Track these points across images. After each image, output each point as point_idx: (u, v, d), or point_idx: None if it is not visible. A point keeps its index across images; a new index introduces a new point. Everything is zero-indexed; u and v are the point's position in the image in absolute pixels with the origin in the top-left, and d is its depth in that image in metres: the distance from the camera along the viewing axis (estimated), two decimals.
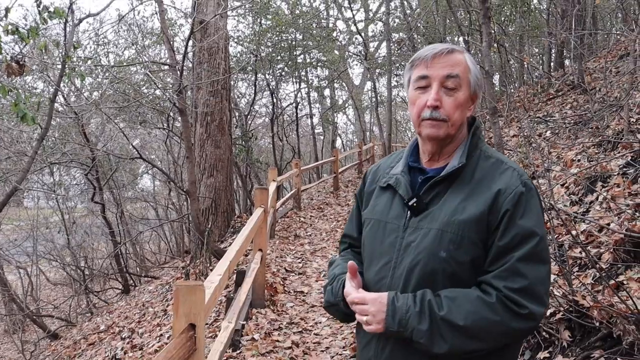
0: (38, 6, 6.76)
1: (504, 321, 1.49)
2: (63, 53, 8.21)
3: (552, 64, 13.85)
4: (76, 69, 8.43)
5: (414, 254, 1.62)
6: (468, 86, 1.66)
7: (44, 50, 8.65)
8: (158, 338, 7.05)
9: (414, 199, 1.67)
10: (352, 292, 1.69)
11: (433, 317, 1.52)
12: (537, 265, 1.52)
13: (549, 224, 4.32)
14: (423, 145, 1.75)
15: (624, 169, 4.86)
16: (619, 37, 11.69)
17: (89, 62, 11.55)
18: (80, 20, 10.12)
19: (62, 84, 10.78)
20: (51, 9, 6.80)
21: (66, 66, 8.12)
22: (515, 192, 1.56)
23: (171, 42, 9.85)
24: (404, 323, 1.55)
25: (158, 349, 6.45)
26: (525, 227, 1.53)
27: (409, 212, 1.68)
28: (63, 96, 12.76)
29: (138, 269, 16.89)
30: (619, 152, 5.36)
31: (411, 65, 1.71)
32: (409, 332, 1.55)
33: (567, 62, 13.92)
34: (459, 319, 1.50)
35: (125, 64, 13.50)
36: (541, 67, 14.27)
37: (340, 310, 1.79)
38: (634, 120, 5.90)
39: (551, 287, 3.55)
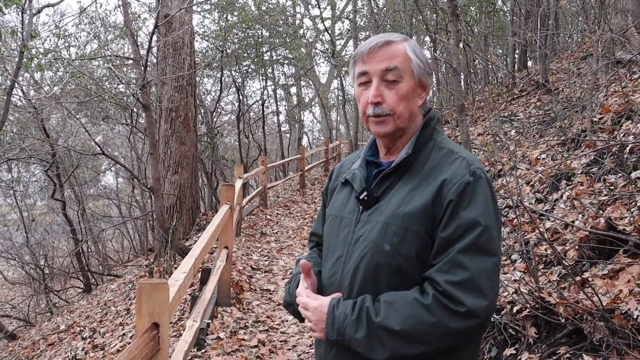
0: None
1: (441, 322, 1.43)
2: (20, 44, 7.93)
3: (515, 64, 14.05)
4: (34, 60, 8.16)
5: (361, 248, 1.59)
6: (411, 75, 1.61)
7: None
8: (120, 338, 6.90)
9: (365, 192, 1.64)
10: (302, 293, 1.67)
11: (370, 324, 1.49)
12: (481, 256, 1.45)
13: (515, 221, 4.36)
14: (377, 140, 1.74)
15: (588, 168, 4.94)
16: (580, 38, 11.94)
17: (49, 55, 11.23)
18: (39, 10, 9.81)
19: (20, 78, 10.47)
20: None
21: (24, 57, 7.86)
22: (460, 181, 1.50)
23: (135, 36, 9.63)
24: (342, 332, 1.52)
25: (120, 349, 6.31)
26: (468, 217, 1.47)
27: (360, 206, 1.66)
28: (22, 90, 12.41)
29: (100, 267, 16.60)
30: (582, 151, 5.45)
31: (353, 61, 1.68)
32: (347, 341, 1.52)
33: (530, 62, 14.17)
34: (396, 323, 1.45)
35: (87, 57, 13.18)
36: (505, 67, 14.48)
37: (296, 310, 1.76)
38: (597, 120, 6.01)
39: (518, 284, 3.57)
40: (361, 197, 1.64)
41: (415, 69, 1.62)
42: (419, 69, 1.63)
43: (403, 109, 1.61)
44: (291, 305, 1.80)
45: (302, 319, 1.79)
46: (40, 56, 10.02)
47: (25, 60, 7.60)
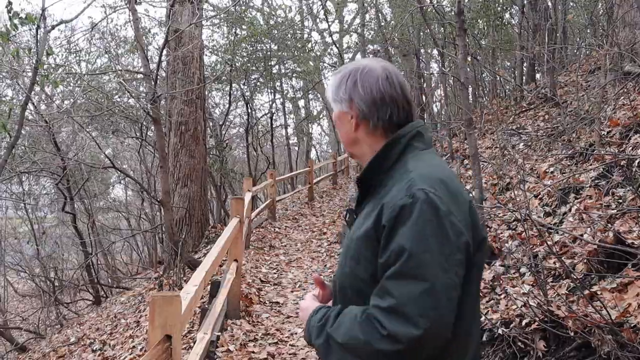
0: (9, 12, 6.64)
1: (370, 341, 1.43)
2: (35, 60, 8.05)
3: (523, 77, 14.07)
4: (49, 76, 8.28)
5: (337, 268, 1.71)
6: (334, 104, 1.73)
7: (14, 57, 8.50)
8: (130, 350, 6.93)
9: (347, 214, 1.75)
10: (306, 297, 1.80)
11: (326, 333, 1.55)
12: (408, 283, 1.40)
13: (524, 234, 4.38)
14: None
15: (596, 181, 4.95)
16: (588, 52, 11.95)
17: (61, 69, 11.37)
18: (53, 27, 9.96)
19: (32, 92, 10.59)
20: (22, 15, 6.68)
21: (38, 73, 7.97)
22: (394, 206, 1.47)
23: (145, 51, 9.76)
24: (309, 337, 1.62)
25: None
26: (398, 243, 1.43)
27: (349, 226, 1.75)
28: (33, 104, 12.55)
29: (109, 280, 16.64)
30: (590, 165, 5.47)
31: None
32: (315, 346, 1.60)
33: (538, 75, 14.18)
34: (339, 336, 1.51)
35: (98, 72, 13.33)
36: (513, 80, 14.50)
37: None
38: (605, 133, 6.02)
39: (526, 298, 3.58)
40: (347, 217, 1.75)
41: (331, 97, 1.74)
42: (333, 95, 1.73)
43: (340, 135, 1.76)
44: None
45: None
46: (52, 71, 10.15)
47: (40, 77, 7.71)
